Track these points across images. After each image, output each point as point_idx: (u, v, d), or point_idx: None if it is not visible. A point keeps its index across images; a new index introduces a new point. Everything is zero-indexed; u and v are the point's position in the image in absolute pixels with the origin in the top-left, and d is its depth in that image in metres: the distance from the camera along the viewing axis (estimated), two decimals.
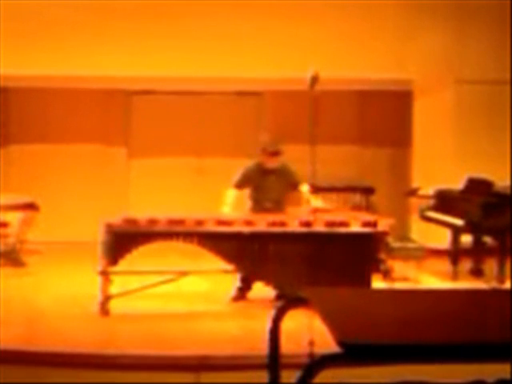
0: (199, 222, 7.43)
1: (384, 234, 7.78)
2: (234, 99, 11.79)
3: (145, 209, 9.92)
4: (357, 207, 10.75)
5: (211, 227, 7.43)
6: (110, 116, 11.70)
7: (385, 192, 11.26)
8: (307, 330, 3.98)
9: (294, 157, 8.19)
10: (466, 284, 8.59)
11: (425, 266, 9.00)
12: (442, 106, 11.09)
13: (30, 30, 10.53)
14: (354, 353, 2.74)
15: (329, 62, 9.83)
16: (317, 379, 2.81)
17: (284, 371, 3.51)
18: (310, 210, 7.66)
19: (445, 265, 9.42)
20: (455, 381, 3.63)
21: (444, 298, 3.61)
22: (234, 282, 8.02)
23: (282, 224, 7.50)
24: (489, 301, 3.58)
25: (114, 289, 7.35)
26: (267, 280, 7.53)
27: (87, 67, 10.53)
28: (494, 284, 8.27)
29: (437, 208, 9.51)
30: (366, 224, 7.54)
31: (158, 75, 10.86)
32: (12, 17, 10.43)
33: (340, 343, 2.74)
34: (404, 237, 9.92)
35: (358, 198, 11.18)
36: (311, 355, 3.32)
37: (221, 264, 7.54)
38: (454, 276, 9.19)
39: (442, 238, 9.62)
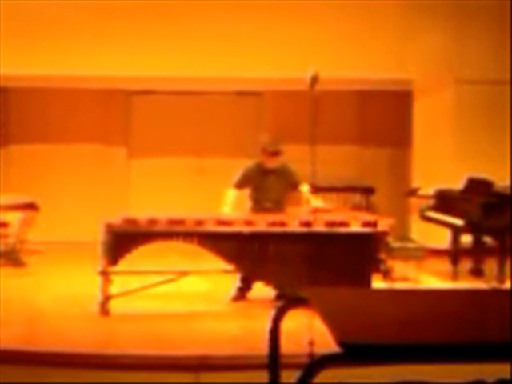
0: (199, 222, 7.42)
1: (384, 233, 7.77)
2: (234, 99, 11.79)
3: (145, 209, 9.92)
4: (357, 207, 10.74)
5: (211, 227, 7.42)
6: (110, 116, 11.69)
7: (385, 192, 11.26)
8: (307, 330, 3.98)
9: (294, 157, 8.19)
10: (466, 284, 8.59)
11: (425, 266, 8.99)
12: (442, 106, 11.08)
13: (30, 29, 10.53)
14: (354, 353, 2.74)
15: (329, 62, 9.83)
16: (317, 379, 2.81)
17: (284, 371, 3.51)
18: (310, 210, 7.66)
19: (445, 265, 9.42)
20: (455, 381, 3.63)
21: (444, 298, 3.61)
22: (234, 281, 8.02)
23: (282, 224, 7.50)
24: (489, 301, 3.58)
25: (113, 289, 7.35)
26: (267, 280, 7.53)
27: (87, 67, 10.53)
28: (493, 284, 8.27)
29: (437, 208, 9.51)
30: (366, 224, 7.54)
31: (158, 75, 10.86)
32: (12, 17, 10.43)
33: (340, 343, 2.74)
34: (404, 237, 9.92)
35: (358, 198, 11.17)
36: (311, 355, 3.32)
37: (221, 264, 7.54)
38: (454, 276, 9.19)
39: (442, 238, 9.62)
